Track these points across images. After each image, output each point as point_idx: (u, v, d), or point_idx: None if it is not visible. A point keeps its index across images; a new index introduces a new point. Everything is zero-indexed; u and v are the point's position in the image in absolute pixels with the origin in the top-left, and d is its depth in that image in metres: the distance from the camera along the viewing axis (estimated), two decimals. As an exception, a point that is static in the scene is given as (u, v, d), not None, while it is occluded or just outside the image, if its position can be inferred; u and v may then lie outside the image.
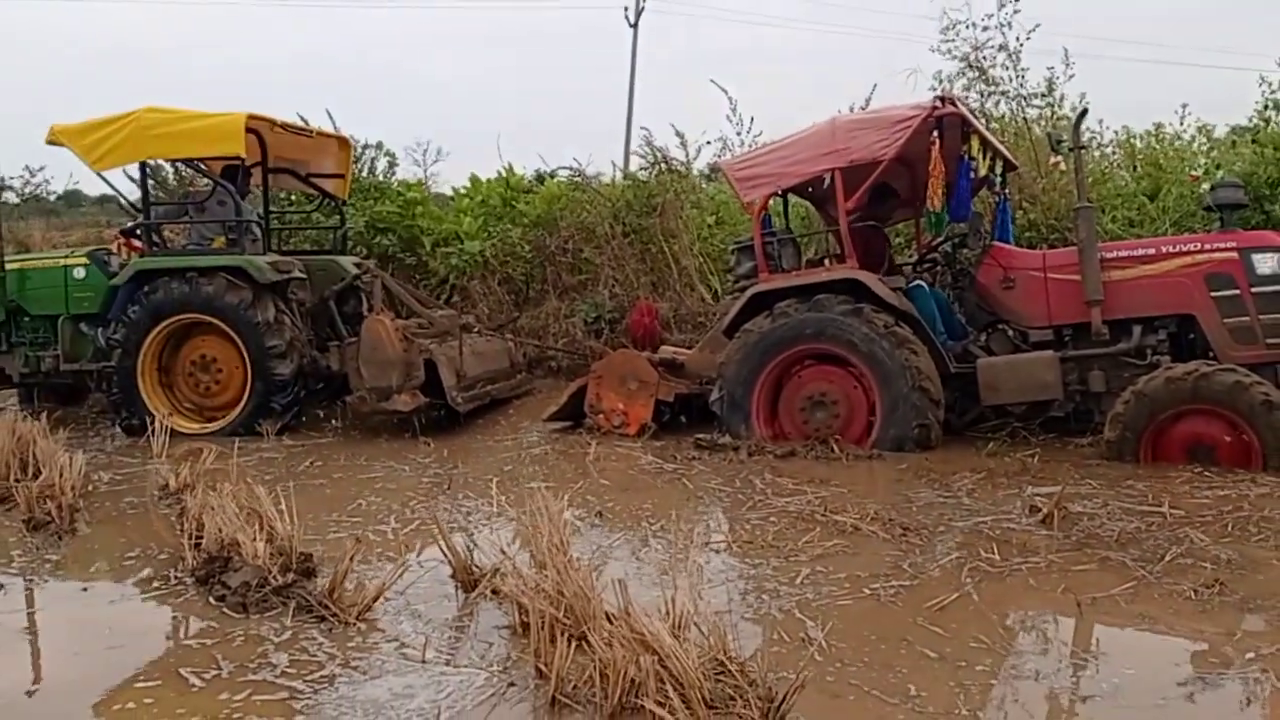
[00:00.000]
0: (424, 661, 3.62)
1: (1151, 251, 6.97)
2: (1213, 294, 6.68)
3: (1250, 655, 3.48)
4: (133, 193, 9.23)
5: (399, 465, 6.96)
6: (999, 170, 7.84)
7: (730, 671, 3.23)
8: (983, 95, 10.55)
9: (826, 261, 7.66)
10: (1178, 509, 5.15)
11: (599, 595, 3.68)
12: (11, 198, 18.98)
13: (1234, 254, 6.68)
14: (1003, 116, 10.74)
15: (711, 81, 10.93)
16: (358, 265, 9.28)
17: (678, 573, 3.95)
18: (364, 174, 12.60)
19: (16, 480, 6.11)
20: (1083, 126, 7.50)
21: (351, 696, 3.36)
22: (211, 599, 4.27)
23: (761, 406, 7.23)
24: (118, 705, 3.33)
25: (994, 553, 4.63)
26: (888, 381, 6.88)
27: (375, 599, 4.12)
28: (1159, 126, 11.46)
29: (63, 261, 9.02)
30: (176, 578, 4.57)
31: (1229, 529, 4.87)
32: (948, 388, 7.08)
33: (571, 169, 11.49)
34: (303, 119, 12.11)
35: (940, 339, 7.26)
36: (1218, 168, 9.94)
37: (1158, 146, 11.18)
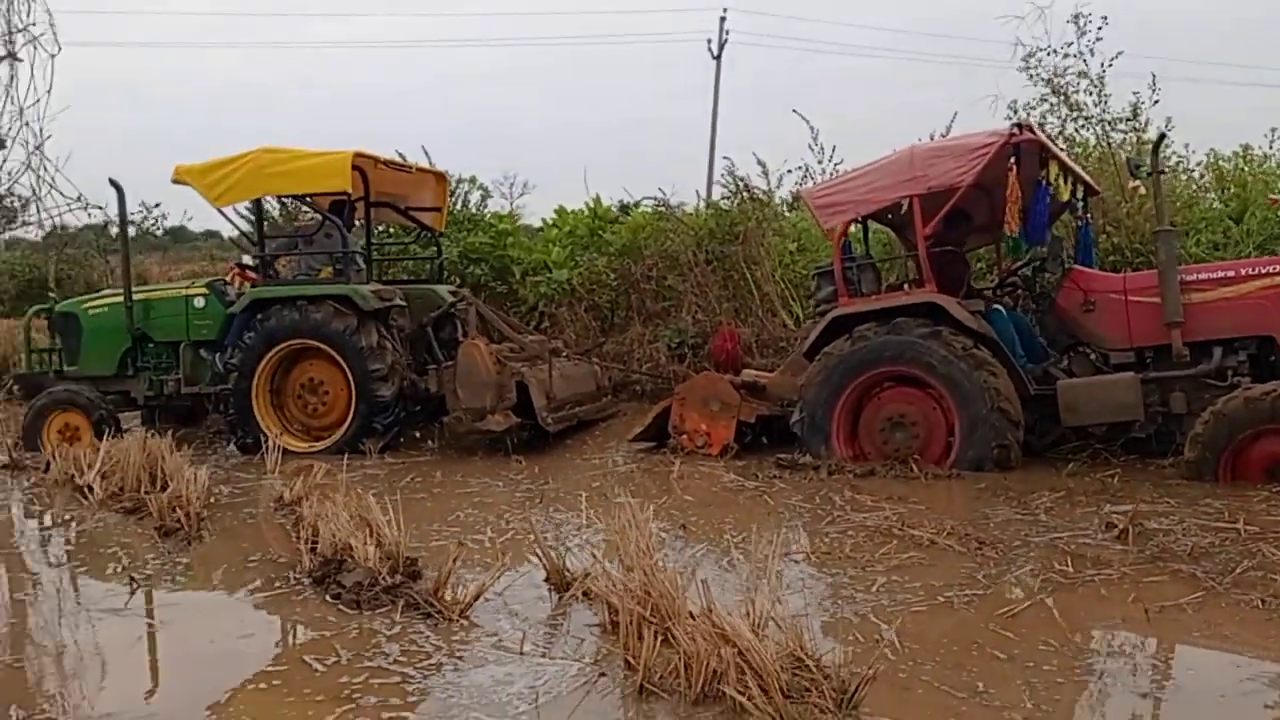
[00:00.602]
0: (521, 653, 3.93)
1: (1231, 274, 7.03)
2: None
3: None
4: (242, 225, 9.84)
5: (493, 481, 7.33)
6: (1080, 195, 7.96)
7: (806, 665, 3.47)
8: (1063, 120, 10.61)
9: (906, 286, 7.83)
10: (1252, 525, 5.22)
11: (683, 595, 3.94)
12: (131, 231, 20.16)
13: None
14: (1086, 141, 10.77)
15: (794, 111, 11.19)
16: (453, 293, 9.76)
17: (758, 578, 4.19)
18: (458, 207, 13.13)
19: (147, 492, 6.63)
20: (1162, 151, 7.57)
21: (457, 682, 3.68)
22: (328, 597, 4.64)
23: (842, 427, 7.43)
24: (250, 685, 3.71)
25: (1068, 565, 4.77)
26: (966, 403, 7.02)
27: (476, 598, 4.45)
28: (1246, 148, 11.37)
29: (184, 292, 9.66)
30: (295, 579, 4.96)
31: (1305, 545, 4.93)
32: (1028, 409, 7.19)
33: (656, 199, 11.86)
34: (401, 155, 12.76)
35: (1020, 361, 7.38)
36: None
37: (1245, 168, 11.09)
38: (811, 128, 11.25)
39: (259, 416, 8.80)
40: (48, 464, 7.78)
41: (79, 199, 20.62)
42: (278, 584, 4.94)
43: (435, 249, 10.52)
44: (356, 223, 10.15)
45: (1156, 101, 10.67)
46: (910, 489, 6.58)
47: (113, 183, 9.72)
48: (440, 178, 10.46)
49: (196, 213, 21.22)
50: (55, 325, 10.01)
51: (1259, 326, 6.86)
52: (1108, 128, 10.79)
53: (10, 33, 21.70)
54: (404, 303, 9.11)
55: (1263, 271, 6.90)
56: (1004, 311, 7.72)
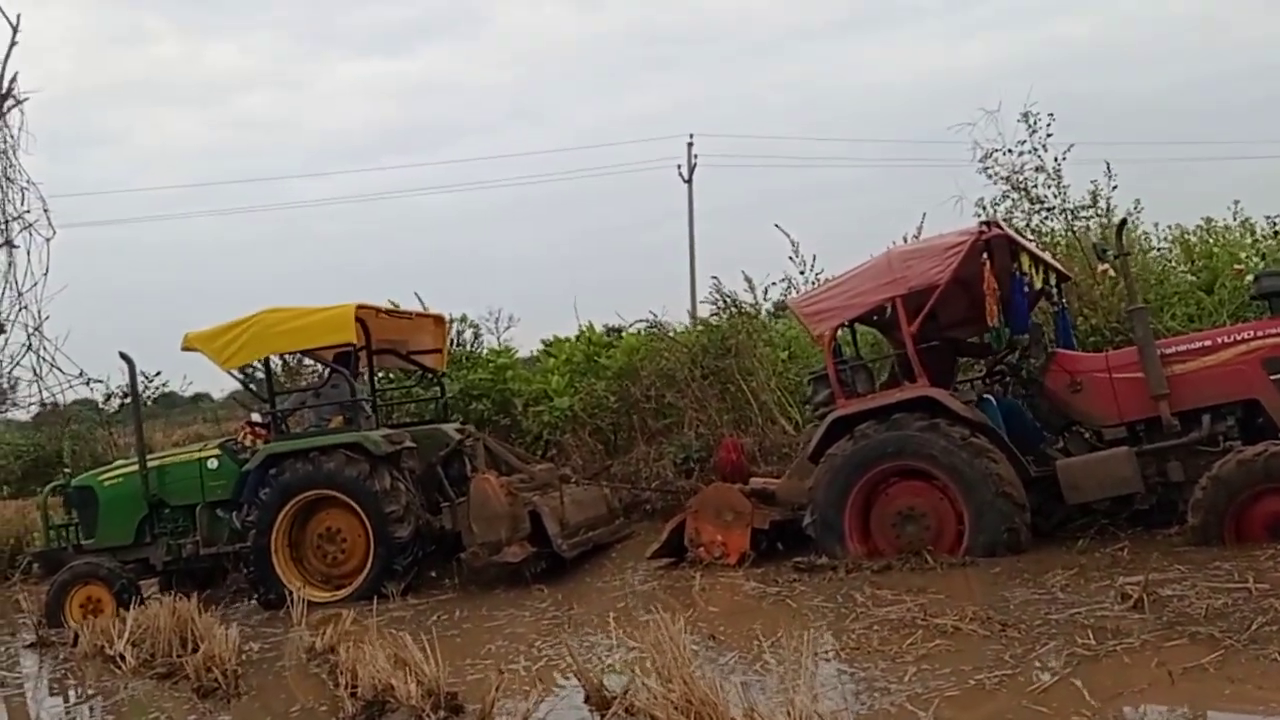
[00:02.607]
0: (575, 775, 4.04)
1: (1209, 343, 7.33)
2: (1272, 376, 6.99)
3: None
4: (251, 384, 10.11)
5: (518, 611, 7.43)
6: (1053, 281, 8.33)
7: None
8: (1027, 214, 11.08)
9: (903, 383, 8.10)
10: (1262, 583, 5.39)
11: (724, 701, 4.08)
12: (116, 403, 20.50)
13: None
14: (1052, 231, 11.23)
15: (775, 226, 11.62)
16: (459, 430, 9.98)
17: (794, 677, 4.32)
18: (453, 346, 13.48)
19: (179, 655, 6.71)
20: (1128, 232, 7.95)
21: (516, 807, 3.78)
22: (375, 740, 4.74)
23: (854, 525, 7.58)
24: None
25: (1089, 639, 4.92)
26: (972, 491, 7.21)
27: (522, 726, 4.56)
28: (1209, 220, 11.84)
29: (197, 455, 9.83)
30: (339, 725, 5.06)
31: (1314, 597, 5.09)
32: (1031, 492, 7.37)
33: (648, 320, 12.23)
34: (393, 303, 13.17)
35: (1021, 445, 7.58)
36: (1262, 258, 10.26)
37: (1210, 239, 11.54)
38: (791, 241, 11.69)
39: (280, 571, 8.89)
40: (76, 637, 7.85)
41: (80, 374, 20.84)
42: (323, 732, 5.04)
43: (439, 389, 10.77)
44: (361, 371, 10.44)
45: (1115, 186, 11.18)
46: (928, 580, 6.72)
47: (123, 355, 10.02)
48: (439, 320, 10.80)
49: (197, 377, 21.52)
50: (71, 500, 10.14)
51: (1242, 391, 7.12)
52: (1071, 216, 11.25)
53: (6, 221, 22.41)
54: (414, 444, 9.31)
55: (1239, 339, 7.20)
56: (994, 401, 7.98)
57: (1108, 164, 11.20)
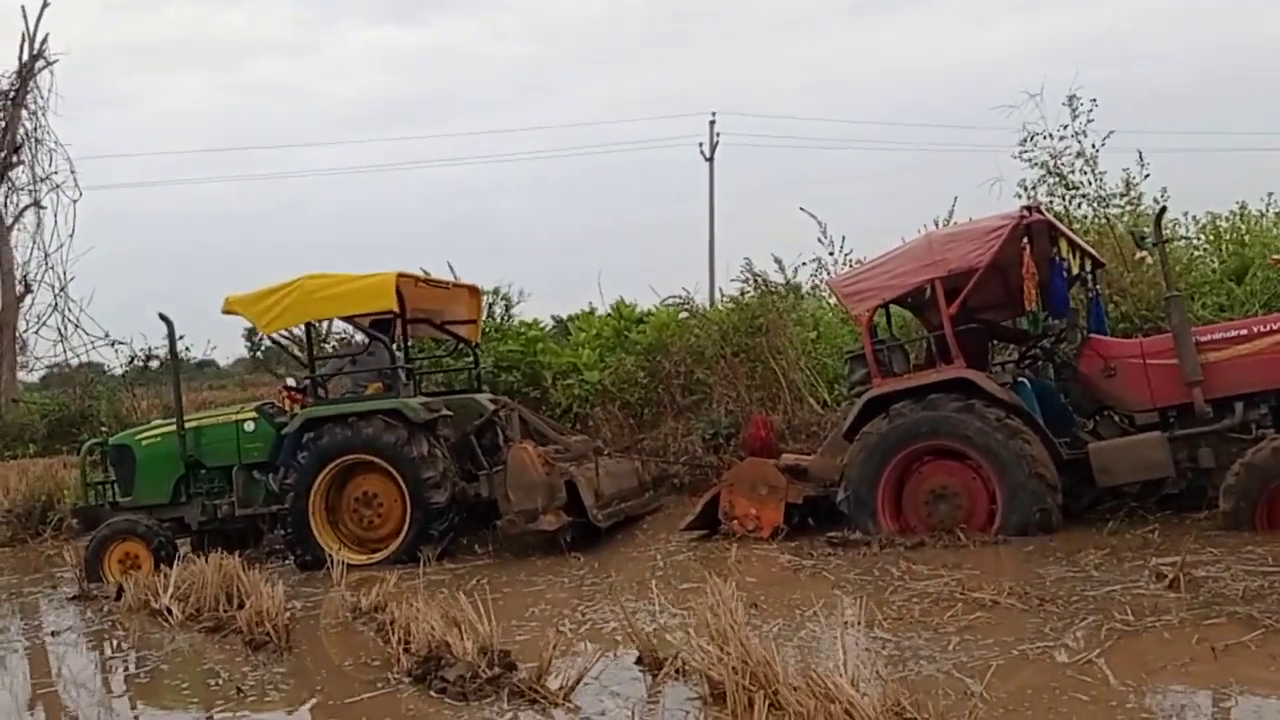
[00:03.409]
0: (634, 729, 4.19)
1: (1244, 332, 7.44)
2: None
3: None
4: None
5: (556, 578, 7.58)
6: (1089, 268, 8.42)
7: (907, 717, 3.74)
8: (1064, 199, 11.14)
9: (938, 364, 8.20)
10: (1297, 566, 5.50)
11: (781, 662, 4.21)
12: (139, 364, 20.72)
13: None
14: (1085, 217, 11.28)
15: (801, 209, 11.73)
16: (493, 401, 10.11)
17: (843, 640, 4.45)
18: (483, 318, 13.57)
19: (225, 611, 6.89)
20: (1164, 220, 8.04)
21: (580, 758, 3.93)
22: (432, 692, 4.89)
23: (886, 503, 7.71)
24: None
25: (1128, 614, 5.04)
26: (1005, 471, 7.33)
27: (577, 683, 4.70)
28: (1243, 206, 11.86)
29: (235, 417, 9.96)
30: (394, 678, 5.21)
31: (1350, 580, 5.21)
32: (1063, 474, 7.49)
33: (680, 297, 12.32)
34: (424, 270, 13.26)
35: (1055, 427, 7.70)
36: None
37: (1242, 226, 11.57)
38: (819, 223, 11.78)
39: (317, 533, 9.04)
40: (120, 591, 8.02)
41: (105, 336, 21.04)
42: (379, 684, 5.19)
43: (473, 359, 10.90)
44: (396, 339, 10.56)
45: (1147, 175, 11.24)
46: (961, 556, 6.85)
47: (162, 317, 10.14)
48: (474, 291, 10.90)
49: (221, 342, 21.68)
50: (110, 458, 10.32)
51: (1276, 380, 7.23)
52: (1104, 203, 11.31)
53: (35, 182, 22.61)
54: (450, 413, 9.45)
55: (1275, 328, 7.31)
56: (1028, 384, 8.08)
57: (1140, 152, 11.27)
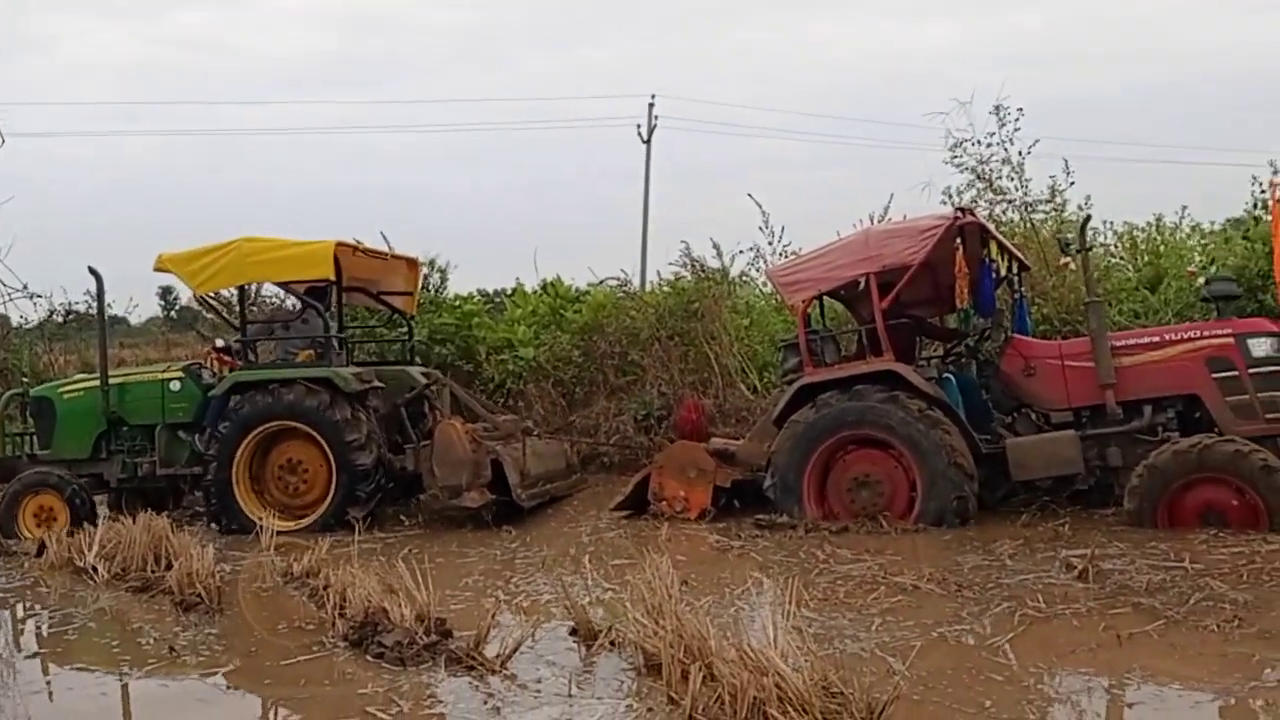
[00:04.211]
0: (570, 695, 4.32)
1: (1157, 339, 7.82)
2: (1214, 375, 7.49)
3: (1269, 670, 4.18)
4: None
5: (489, 550, 7.67)
6: (1015, 270, 8.76)
7: (835, 691, 3.93)
8: (990, 204, 11.50)
9: (868, 357, 8.46)
10: (1197, 563, 5.85)
11: (713, 636, 4.37)
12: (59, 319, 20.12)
13: (1230, 339, 7.53)
14: (1011, 222, 11.66)
15: (748, 195, 11.90)
16: (425, 375, 10.11)
17: (777, 618, 4.63)
18: (418, 289, 13.50)
19: (153, 571, 6.83)
20: (1087, 229, 8.40)
21: (520, 721, 4.05)
22: (368, 657, 4.96)
23: (812, 489, 7.95)
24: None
25: (1039, 602, 5.32)
26: (925, 460, 7.62)
27: (514, 651, 4.81)
28: (1159, 218, 12.40)
29: (160, 376, 9.82)
30: (330, 642, 5.27)
31: (1244, 578, 5.57)
32: (980, 466, 7.80)
33: (618, 279, 12.44)
34: (356, 240, 13.14)
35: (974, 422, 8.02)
36: (1211, 262, 10.81)
37: (1158, 237, 12.09)
38: (763, 211, 11.98)
39: (241, 501, 8.97)
40: (41, 547, 7.89)
41: (24, 288, 20.38)
42: (314, 648, 5.23)
43: (407, 331, 10.87)
44: (331, 308, 10.47)
45: (1072, 183, 11.66)
46: (884, 543, 7.11)
47: (92, 271, 9.91)
48: (413, 264, 10.86)
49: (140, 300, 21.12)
50: (29, 409, 10.11)
51: (1184, 386, 7.62)
52: (1029, 209, 11.70)
53: (-47, 126, 21.69)
54: (381, 384, 9.43)
55: (1185, 336, 7.71)
56: (952, 379, 8.38)
57: (1065, 160, 11.68)
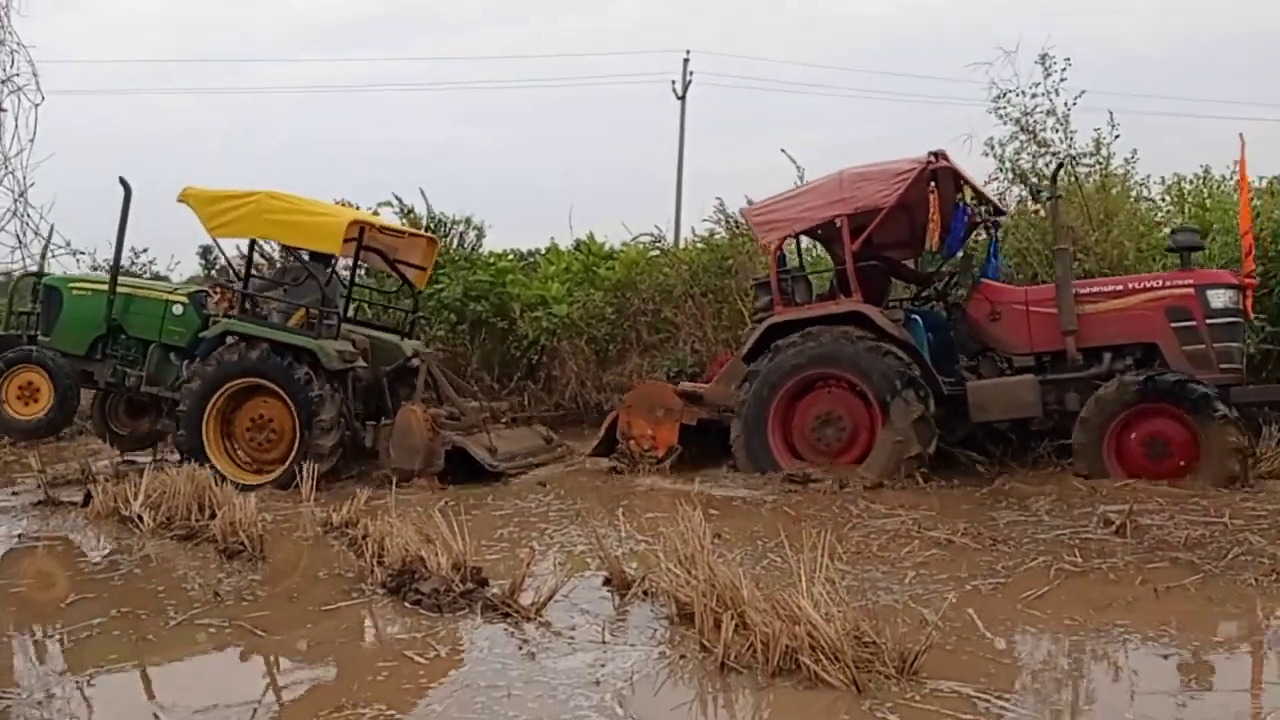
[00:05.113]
0: (604, 642, 4.36)
1: (1120, 288, 7.97)
2: (1172, 325, 7.65)
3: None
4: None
5: (524, 503, 7.73)
6: (990, 214, 8.93)
7: (867, 640, 3.94)
8: (1034, 157, 11.30)
9: (839, 297, 8.50)
10: (1237, 519, 5.81)
11: (746, 586, 4.39)
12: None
13: (1191, 290, 7.67)
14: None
15: (782, 151, 11.81)
16: (416, 353, 10.07)
17: (805, 567, 4.64)
18: (454, 246, 13.56)
19: (196, 520, 6.97)
20: (1061, 176, 8.35)
21: (553, 667, 4.10)
22: (406, 603, 5.03)
23: (776, 427, 8.19)
24: (368, 676, 4.10)
25: (1076, 556, 5.30)
26: (887, 396, 7.78)
27: (549, 599, 4.87)
28: (1207, 170, 12.12)
29: (166, 296, 9.94)
30: (368, 589, 5.35)
31: (1284, 533, 5.51)
32: (941, 407, 7.98)
33: (652, 235, 12.40)
34: (397, 197, 13.18)
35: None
36: (1258, 216, 10.57)
37: (1205, 190, 11.83)
38: (797, 166, 11.87)
39: (207, 443, 8.97)
40: (88, 497, 8.06)
41: (66, 244, 20.67)
42: (353, 594, 5.32)
43: (413, 304, 10.77)
44: (340, 271, 10.39)
45: (1117, 136, 11.41)
46: (918, 498, 7.11)
47: (122, 181, 9.79)
48: (431, 242, 10.79)
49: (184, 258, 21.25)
50: (38, 295, 10.23)
51: (1144, 334, 7.76)
52: (1073, 163, 11.47)
53: (-4, 83, 21.95)
54: (365, 364, 9.39)
55: (1147, 286, 7.84)
56: (920, 320, 8.49)
57: (1111, 113, 11.43)
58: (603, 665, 4.09)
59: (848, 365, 7.93)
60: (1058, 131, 11.17)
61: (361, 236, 9.96)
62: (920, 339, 8.15)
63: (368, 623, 4.90)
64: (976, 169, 12.02)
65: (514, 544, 6.35)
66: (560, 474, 9.00)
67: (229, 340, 9.09)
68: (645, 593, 4.96)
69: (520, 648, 4.35)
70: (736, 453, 8.26)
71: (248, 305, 9.52)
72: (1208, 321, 7.58)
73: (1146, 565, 5.10)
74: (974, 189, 8.41)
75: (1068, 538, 5.75)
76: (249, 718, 3.72)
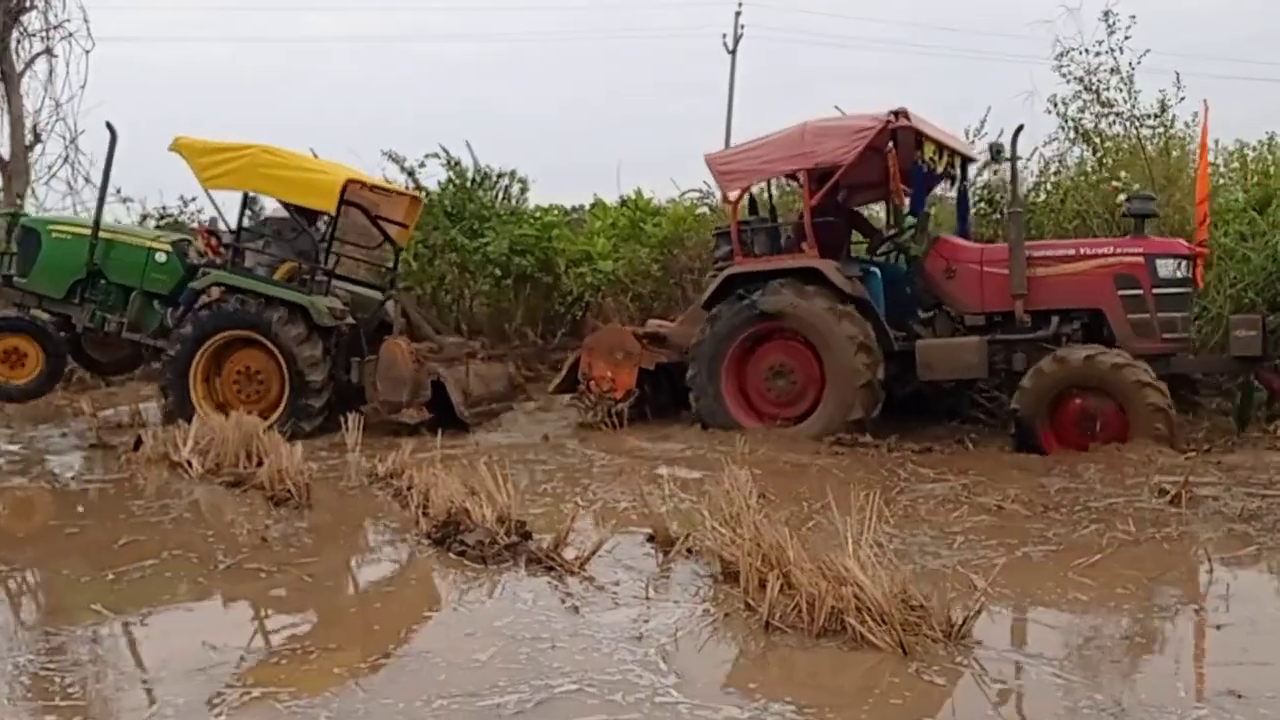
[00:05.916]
0: (648, 598, 4.36)
1: (1071, 252, 7.93)
2: (1120, 292, 7.62)
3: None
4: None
5: (567, 459, 7.74)
6: (958, 165, 8.88)
7: (914, 604, 3.89)
8: (1096, 117, 11.00)
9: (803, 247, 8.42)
10: (1296, 491, 5.65)
11: (792, 545, 4.35)
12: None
13: (1140, 258, 7.61)
14: (1117, 135, 11.16)
15: (835, 107, 11.55)
16: (389, 296, 10.12)
17: (851, 528, 4.58)
18: (499, 200, 13.48)
19: (244, 467, 7.06)
20: (1019, 138, 8.17)
21: (598, 621, 4.10)
22: (451, 554, 5.05)
23: (730, 382, 8.29)
24: (413, 624, 4.13)
25: (1129, 525, 5.20)
26: (835, 353, 7.84)
27: (592, 554, 4.86)
28: (1271, 136, 11.73)
29: (149, 243, 9.92)
30: (413, 539, 5.39)
31: (1345, 506, 5.36)
32: (892, 362, 8.00)
33: (700, 191, 12.27)
34: (444, 148, 13.09)
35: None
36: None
37: (1269, 156, 11.47)
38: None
39: (193, 390, 9.03)
40: (138, 442, 8.18)
41: (118, 192, 20.81)
42: (399, 544, 5.38)
43: (394, 262, 10.65)
44: (324, 225, 10.32)
45: (1183, 98, 11.07)
46: (968, 463, 7.03)
47: (108, 125, 9.78)
48: (415, 200, 10.75)
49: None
50: (15, 235, 10.18)
51: (1091, 300, 7.74)
52: (1136, 124, 11.16)
53: (47, 29, 22.09)
54: (353, 321, 9.44)
55: (1099, 252, 7.80)
56: (878, 273, 8.47)
57: (1177, 74, 11.08)
58: (646, 621, 4.08)
59: (802, 323, 8.01)
60: (1121, 90, 10.87)
61: (343, 192, 9.85)
62: (877, 293, 8.23)
63: (413, 572, 4.93)
64: (1038, 127, 11.81)
65: (558, 499, 6.36)
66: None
67: (214, 291, 9.14)
68: (690, 550, 4.93)
69: (564, 601, 4.36)
70: (692, 385, 8.39)
71: (237, 258, 9.52)
72: (1154, 291, 7.61)
73: (1201, 536, 4.99)
74: (938, 143, 8.33)
75: (1121, 506, 5.64)
76: (296, 660, 3.76)
